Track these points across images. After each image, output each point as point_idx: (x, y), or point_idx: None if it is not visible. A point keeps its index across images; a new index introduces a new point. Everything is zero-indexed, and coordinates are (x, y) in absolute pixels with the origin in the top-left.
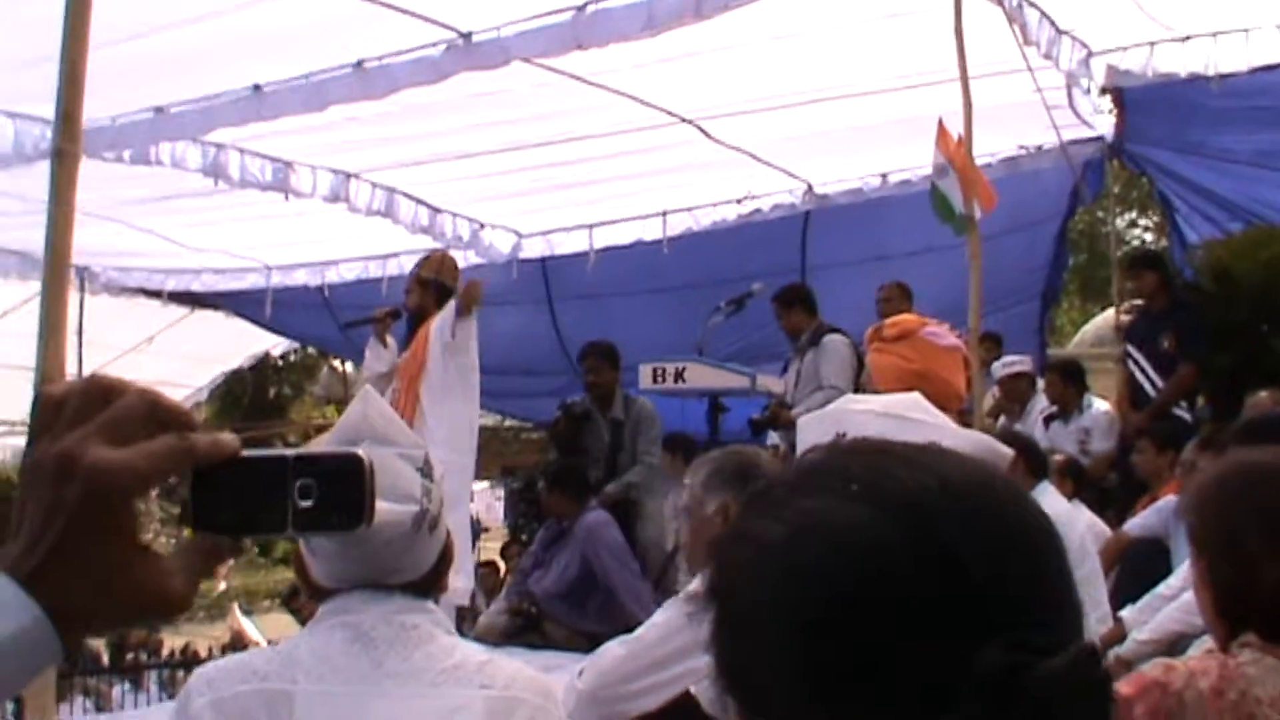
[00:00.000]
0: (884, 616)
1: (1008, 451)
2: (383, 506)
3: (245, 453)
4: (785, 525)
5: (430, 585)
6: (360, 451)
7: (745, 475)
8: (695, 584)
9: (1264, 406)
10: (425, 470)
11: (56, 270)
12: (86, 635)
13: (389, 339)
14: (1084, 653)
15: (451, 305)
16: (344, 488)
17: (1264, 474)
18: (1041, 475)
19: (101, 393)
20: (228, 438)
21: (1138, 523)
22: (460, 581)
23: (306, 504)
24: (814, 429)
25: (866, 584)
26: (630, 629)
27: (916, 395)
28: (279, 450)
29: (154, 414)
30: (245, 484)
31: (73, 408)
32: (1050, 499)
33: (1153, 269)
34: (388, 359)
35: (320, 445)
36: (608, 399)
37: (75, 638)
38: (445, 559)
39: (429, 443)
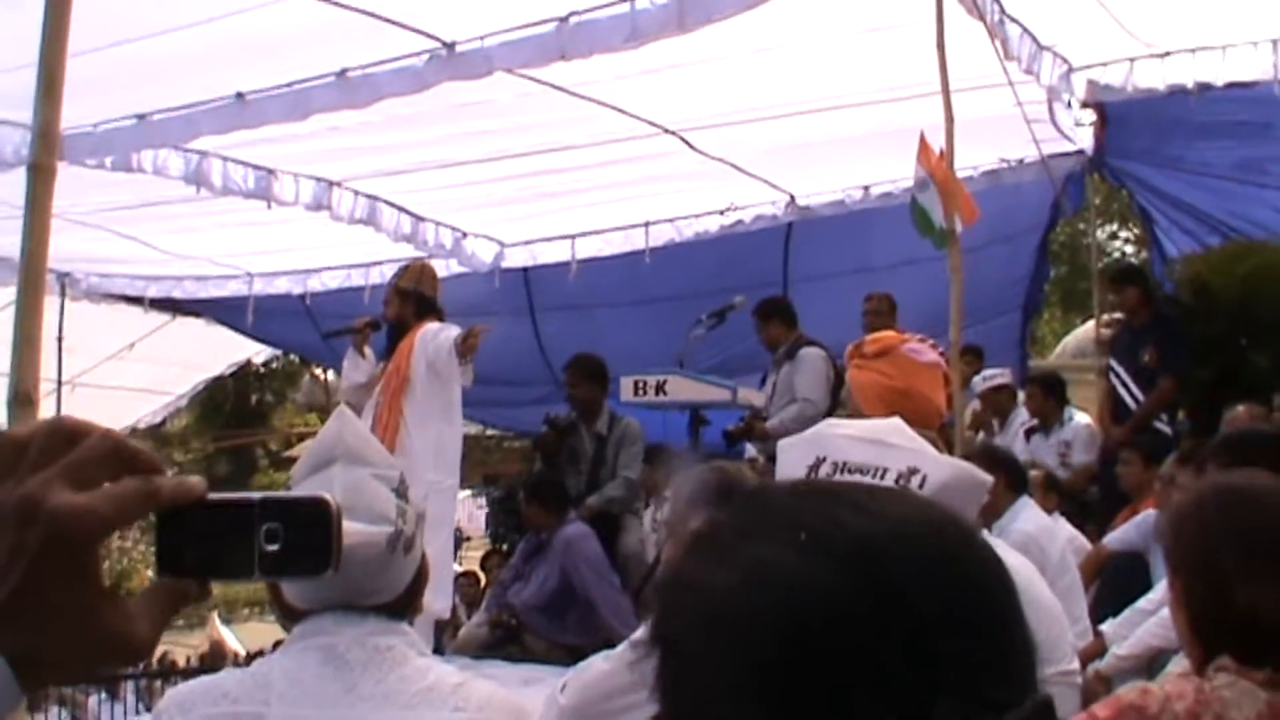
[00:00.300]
0: (836, 668)
1: (985, 478)
2: (357, 528)
3: (211, 496)
4: (734, 573)
5: (405, 606)
6: (327, 496)
7: (728, 492)
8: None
9: (1241, 421)
10: (400, 491)
11: (32, 283)
12: (48, 683)
13: (367, 350)
14: (1039, 708)
15: (448, 340)
16: (311, 532)
17: (1239, 497)
18: (1021, 490)
19: (66, 435)
20: (193, 481)
21: (1117, 536)
22: (439, 602)
23: (273, 548)
24: (794, 452)
25: (818, 635)
26: (610, 642)
27: (898, 420)
28: (245, 494)
29: (118, 457)
30: (211, 527)
31: (36, 450)
32: (1030, 513)
33: (1135, 283)
34: (366, 370)
35: (296, 464)
36: (591, 413)
37: (35, 684)
38: (420, 579)
39: (411, 460)
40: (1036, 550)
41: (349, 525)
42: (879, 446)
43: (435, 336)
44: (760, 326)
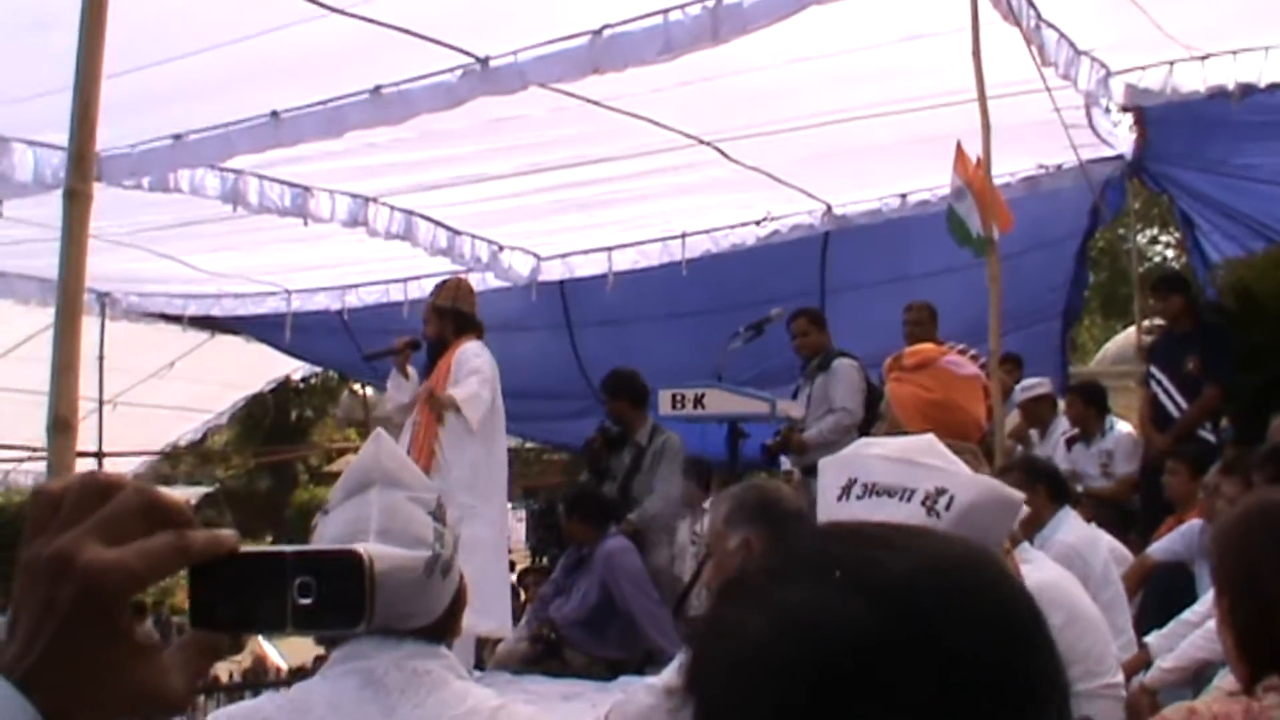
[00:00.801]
0: (869, 707)
1: (1017, 497)
2: (394, 552)
3: (243, 549)
4: (766, 617)
5: (443, 630)
6: (360, 549)
7: (767, 509)
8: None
9: None
10: (437, 514)
11: (69, 310)
12: None
13: (410, 369)
14: None
15: (479, 399)
16: (343, 586)
17: None
18: (1063, 501)
19: (98, 490)
20: (225, 534)
21: (1162, 546)
22: (483, 623)
23: (306, 601)
24: (829, 474)
25: (849, 674)
26: (650, 655)
27: (931, 438)
28: (277, 548)
29: (151, 511)
30: (244, 581)
31: (69, 505)
32: (1072, 524)
33: (1178, 291)
34: (410, 390)
35: (334, 488)
36: (630, 426)
37: None
38: (459, 602)
39: (447, 481)
40: (1079, 562)
41: (386, 549)
42: (909, 466)
43: (469, 361)
44: (806, 331)
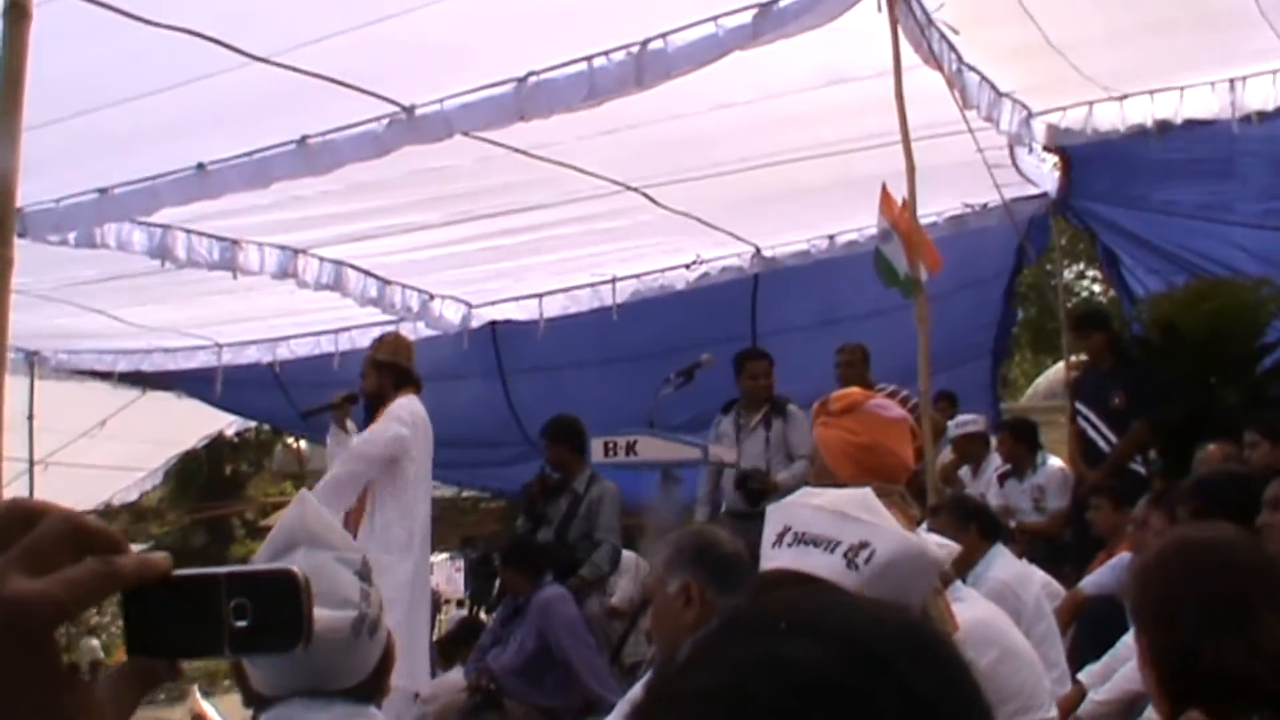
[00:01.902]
0: None
1: (937, 556)
2: (321, 614)
3: (176, 573)
4: (721, 672)
5: (372, 689)
6: (295, 568)
7: (705, 553)
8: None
9: (1214, 459)
10: (363, 574)
11: None
12: None
13: (350, 424)
14: None
15: (387, 443)
16: (280, 606)
17: (1202, 553)
18: (995, 538)
19: (22, 517)
20: (158, 558)
21: (1093, 580)
22: (419, 684)
23: (242, 624)
24: (770, 521)
25: (823, 713)
26: (589, 704)
27: (868, 493)
28: (210, 570)
29: (78, 537)
30: (178, 605)
31: None
32: (1004, 561)
33: (1099, 328)
34: (348, 444)
35: (259, 549)
36: (570, 472)
37: None
38: (387, 661)
39: (372, 537)
40: (1012, 598)
41: (314, 612)
42: (839, 518)
43: (389, 414)
44: (763, 374)
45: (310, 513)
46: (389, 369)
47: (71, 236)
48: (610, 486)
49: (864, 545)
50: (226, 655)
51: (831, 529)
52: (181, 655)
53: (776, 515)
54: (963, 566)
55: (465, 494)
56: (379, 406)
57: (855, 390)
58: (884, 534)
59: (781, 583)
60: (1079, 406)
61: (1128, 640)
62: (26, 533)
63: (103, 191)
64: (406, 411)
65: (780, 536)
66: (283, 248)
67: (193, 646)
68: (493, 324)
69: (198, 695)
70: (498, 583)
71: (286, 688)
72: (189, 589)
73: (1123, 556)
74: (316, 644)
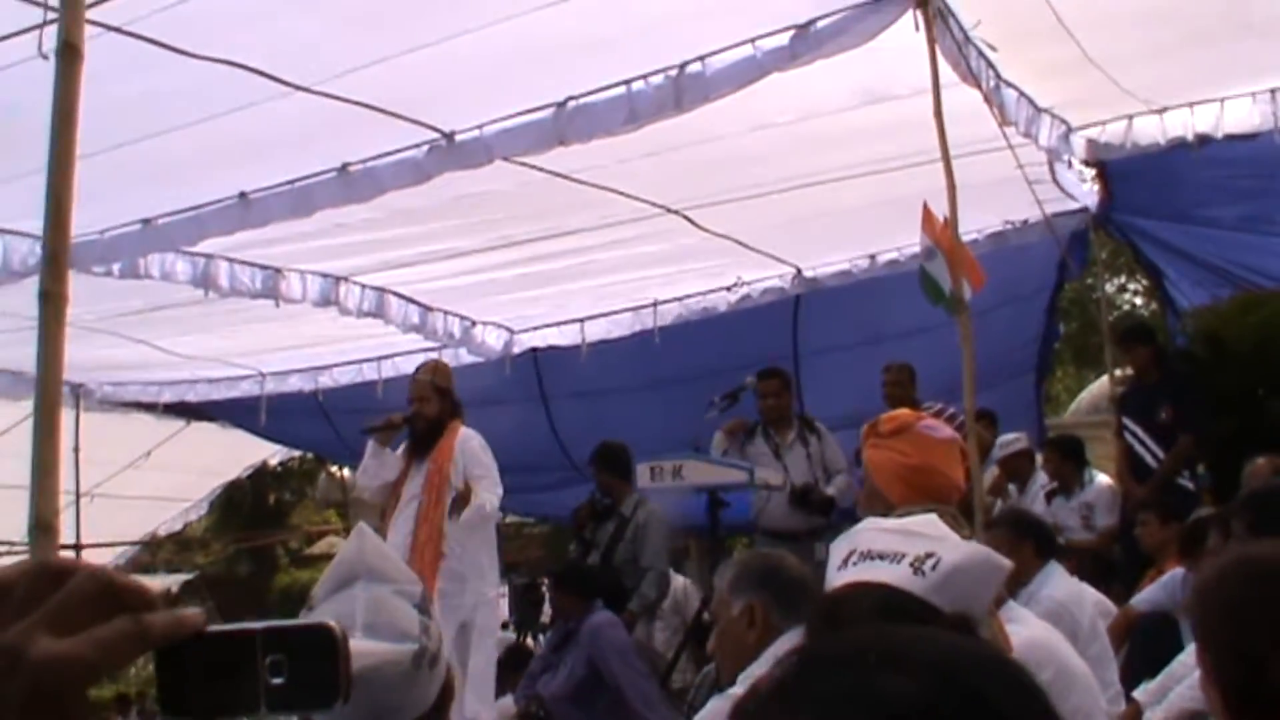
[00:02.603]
0: None
1: (1004, 563)
2: (381, 647)
3: (210, 629)
4: (813, 709)
5: None
6: (332, 623)
7: (771, 576)
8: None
9: (1263, 472)
10: (422, 607)
11: (47, 410)
12: None
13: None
14: None
15: (489, 508)
16: (317, 663)
17: (1267, 570)
18: (1050, 555)
19: (51, 577)
20: (189, 615)
21: (1145, 598)
22: (485, 712)
23: (278, 681)
24: (837, 549)
25: None
26: None
27: (933, 517)
28: (245, 625)
29: (107, 596)
30: (213, 663)
31: (20, 595)
32: (1059, 579)
33: (1144, 343)
34: (394, 466)
35: (317, 584)
36: (617, 498)
37: None
38: (446, 695)
39: (461, 569)
40: (1069, 618)
41: (373, 645)
42: (905, 536)
43: (480, 456)
44: (780, 392)
45: (369, 546)
46: (448, 396)
47: (116, 268)
48: (657, 510)
49: (930, 555)
50: (263, 714)
51: (896, 545)
52: (217, 715)
53: (842, 544)
54: (1015, 584)
55: (509, 519)
56: (434, 432)
57: (905, 412)
58: (949, 544)
59: (849, 595)
60: (1125, 421)
61: (1184, 659)
62: (54, 592)
63: (146, 222)
64: (486, 453)
65: (846, 560)
66: (325, 275)
67: (228, 705)
68: (534, 350)
69: None
70: (545, 608)
71: None
72: (223, 646)
73: (1175, 573)
74: (377, 678)
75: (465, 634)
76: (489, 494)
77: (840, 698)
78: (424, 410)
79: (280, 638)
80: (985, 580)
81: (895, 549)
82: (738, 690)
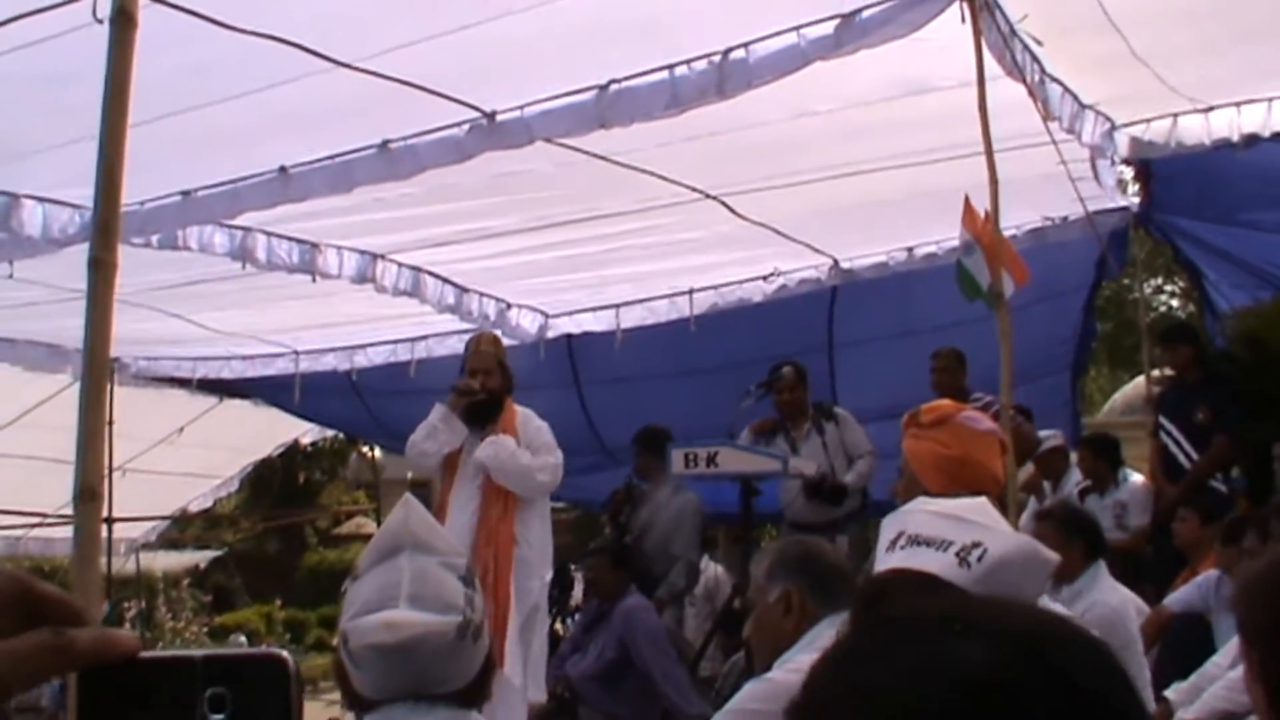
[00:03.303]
0: None
1: (1050, 557)
2: (426, 618)
3: (145, 654)
4: (898, 667)
5: (475, 694)
6: (285, 654)
7: (809, 563)
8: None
9: None
10: (467, 578)
11: (95, 378)
12: None
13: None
14: None
15: (549, 476)
16: (264, 696)
17: None
18: (1098, 556)
19: None
20: (120, 636)
21: (1178, 598)
22: (538, 696)
23: (218, 717)
24: (887, 528)
25: (990, 717)
26: (667, 715)
27: (983, 501)
28: (185, 652)
29: (26, 604)
30: (144, 692)
31: None
32: (1108, 585)
33: (1186, 341)
34: (462, 435)
35: (362, 554)
36: (654, 481)
37: None
38: (489, 667)
39: (531, 550)
40: (1123, 630)
41: (418, 616)
42: (953, 521)
43: (543, 434)
44: (796, 386)
45: (415, 517)
46: (507, 370)
47: (155, 239)
48: (692, 499)
49: (976, 545)
50: None
51: (945, 531)
52: None
53: (892, 523)
54: (1059, 580)
55: None
56: (494, 407)
57: (946, 403)
58: (997, 534)
59: (893, 582)
60: (1162, 421)
61: (1216, 659)
62: None
63: (186, 194)
64: (549, 433)
65: (894, 542)
66: (362, 252)
67: None
68: (568, 335)
69: None
70: (574, 593)
71: (390, 691)
72: (158, 674)
73: (1209, 574)
74: (422, 648)
75: (532, 618)
76: (548, 458)
77: (920, 662)
78: (489, 384)
79: (224, 668)
80: (1031, 575)
81: (943, 535)
82: (777, 674)
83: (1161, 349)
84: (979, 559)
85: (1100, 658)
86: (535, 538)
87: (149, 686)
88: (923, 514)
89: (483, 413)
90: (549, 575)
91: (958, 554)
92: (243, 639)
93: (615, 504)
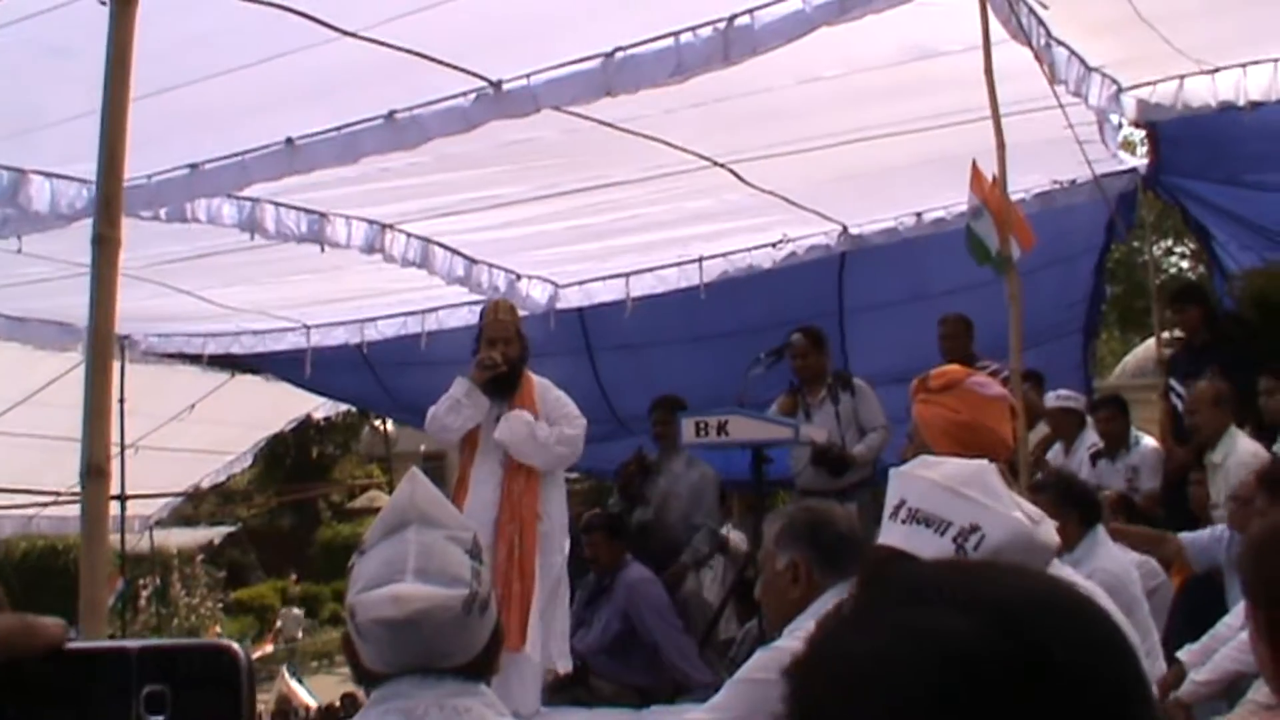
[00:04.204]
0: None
1: (1049, 541)
2: (434, 591)
3: (73, 645)
4: (879, 637)
5: (482, 667)
6: (235, 645)
7: (817, 532)
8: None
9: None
10: (474, 552)
11: (100, 355)
12: None
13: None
14: None
15: (573, 446)
16: (211, 695)
17: None
18: (1094, 523)
19: None
20: (46, 623)
21: (1193, 539)
22: (561, 663)
23: (157, 718)
24: (891, 486)
25: (966, 692)
26: (679, 686)
27: (984, 467)
28: (120, 643)
29: None
30: (71, 688)
31: None
32: (1108, 550)
33: (1196, 302)
34: (483, 410)
35: (369, 529)
36: (669, 450)
37: None
38: (496, 640)
39: (552, 524)
40: (1125, 593)
41: (424, 589)
42: (952, 496)
43: (565, 402)
44: (810, 352)
45: (421, 491)
46: (524, 339)
47: (163, 211)
48: (710, 472)
49: (974, 529)
50: None
51: (945, 508)
52: None
53: (896, 483)
54: (1059, 550)
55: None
56: (517, 376)
57: (955, 368)
58: (996, 517)
59: (890, 564)
60: (1172, 383)
61: (1228, 620)
62: None
63: (194, 167)
64: (571, 404)
65: (896, 509)
66: (370, 222)
67: None
68: (580, 308)
69: (287, 675)
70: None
71: (397, 665)
72: (87, 668)
73: (1223, 529)
74: (428, 621)
75: (555, 591)
76: (566, 430)
77: (900, 633)
78: (509, 353)
79: (164, 662)
80: (1031, 559)
81: (943, 515)
82: (784, 643)
83: (1170, 311)
84: (976, 546)
85: (1090, 630)
86: (555, 511)
87: (76, 683)
88: (925, 481)
89: (503, 384)
90: (568, 547)
91: (955, 539)
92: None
93: (626, 475)
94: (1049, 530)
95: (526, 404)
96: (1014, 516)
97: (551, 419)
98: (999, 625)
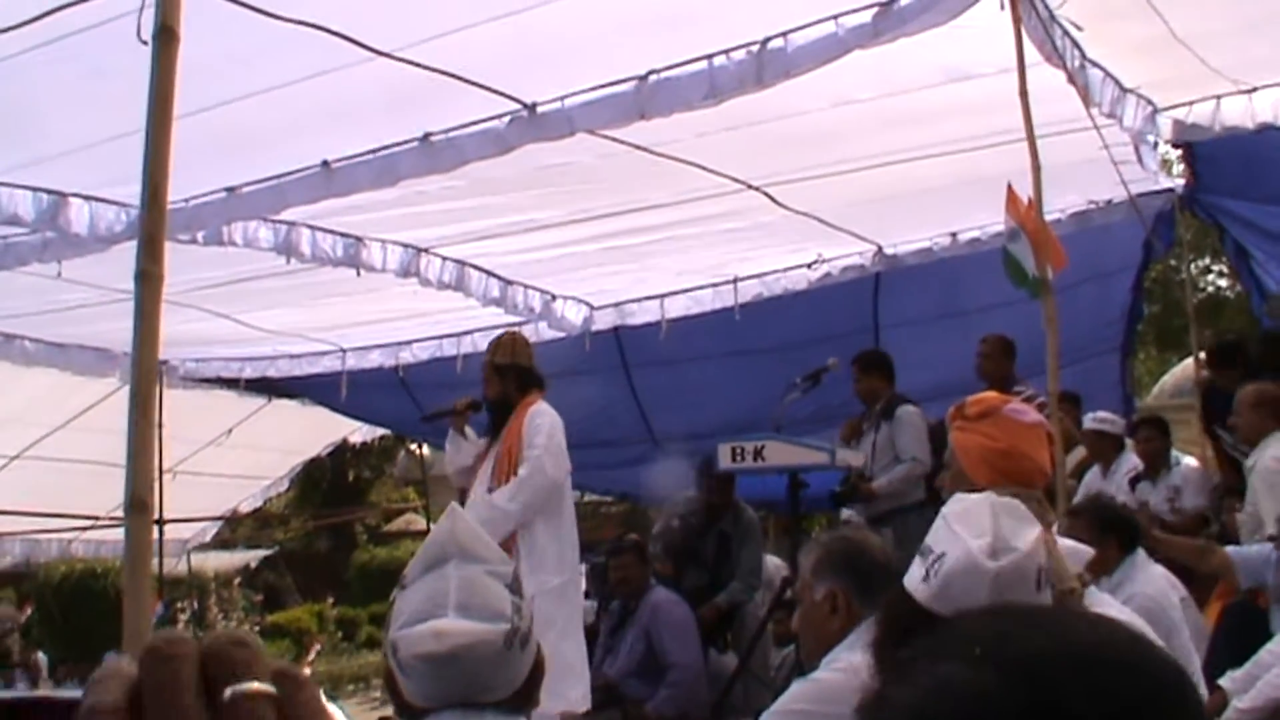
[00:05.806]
0: None
1: (988, 566)
2: (475, 627)
3: None
4: (914, 689)
5: (523, 701)
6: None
7: (854, 561)
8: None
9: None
10: (514, 587)
11: (143, 389)
12: None
13: (468, 430)
14: None
15: (555, 478)
16: None
17: None
18: (1133, 548)
19: None
20: None
21: (1241, 551)
22: (579, 701)
23: None
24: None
25: None
26: (717, 704)
27: (990, 498)
28: (16, 694)
29: None
30: None
31: None
32: (1147, 574)
33: (1234, 365)
34: (471, 451)
35: (409, 564)
36: (720, 513)
37: None
38: (537, 674)
39: (531, 559)
40: (1165, 619)
41: (466, 625)
42: (945, 529)
43: (535, 435)
44: (860, 377)
45: (461, 526)
46: (510, 372)
47: (200, 235)
48: (752, 516)
49: (941, 556)
50: None
51: (936, 539)
52: None
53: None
54: (1098, 573)
55: (586, 498)
56: (505, 410)
57: (992, 395)
58: (957, 544)
59: (897, 601)
60: (1214, 429)
61: (1272, 646)
62: None
63: (230, 190)
64: (543, 422)
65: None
66: (406, 246)
67: None
68: (615, 328)
69: (323, 698)
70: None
71: (439, 699)
72: None
73: (1268, 547)
74: (470, 656)
75: (550, 620)
76: (535, 471)
77: (933, 684)
78: (486, 392)
79: None
80: (972, 587)
81: (931, 544)
82: (822, 674)
83: (1209, 369)
84: (936, 573)
85: (1124, 682)
86: (536, 538)
87: None
88: (942, 516)
89: (495, 421)
90: (554, 580)
91: (928, 567)
92: None
93: (673, 543)
94: (1018, 562)
95: (511, 437)
96: (967, 545)
97: (525, 443)
98: (1017, 678)
